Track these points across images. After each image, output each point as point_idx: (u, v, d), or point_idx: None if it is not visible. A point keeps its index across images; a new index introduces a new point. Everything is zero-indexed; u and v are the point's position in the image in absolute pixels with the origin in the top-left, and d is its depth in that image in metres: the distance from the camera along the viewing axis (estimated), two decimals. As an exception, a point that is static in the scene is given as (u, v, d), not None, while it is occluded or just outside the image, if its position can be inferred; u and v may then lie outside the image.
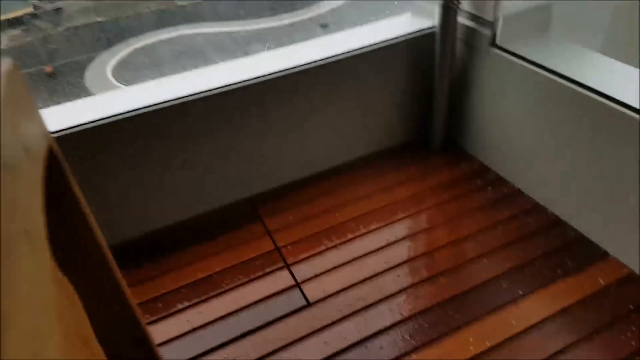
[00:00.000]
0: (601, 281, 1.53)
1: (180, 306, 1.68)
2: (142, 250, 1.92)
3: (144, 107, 1.74)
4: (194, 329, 1.60)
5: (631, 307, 1.44)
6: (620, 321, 1.41)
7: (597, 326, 1.41)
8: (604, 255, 1.62)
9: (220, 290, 1.72)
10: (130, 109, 1.73)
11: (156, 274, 1.82)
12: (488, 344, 1.40)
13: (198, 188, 1.98)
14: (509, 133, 1.90)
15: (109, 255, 0.62)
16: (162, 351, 1.54)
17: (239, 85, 1.83)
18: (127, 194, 1.87)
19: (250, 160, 2.02)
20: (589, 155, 1.58)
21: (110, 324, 0.66)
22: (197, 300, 1.70)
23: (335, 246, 1.81)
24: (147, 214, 1.95)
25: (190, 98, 1.79)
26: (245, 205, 2.07)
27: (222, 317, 1.62)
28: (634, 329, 1.38)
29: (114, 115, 1.72)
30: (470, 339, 1.43)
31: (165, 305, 1.69)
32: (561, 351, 1.36)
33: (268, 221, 1.98)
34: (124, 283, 0.65)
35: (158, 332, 1.60)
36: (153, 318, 1.65)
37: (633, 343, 1.35)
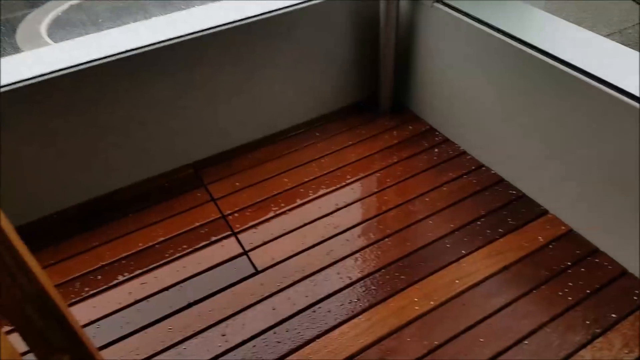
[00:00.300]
0: (540, 239, 1.58)
1: (121, 278, 1.61)
2: (80, 221, 1.81)
3: (70, 67, 1.61)
4: (137, 301, 1.54)
5: (568, 263, 1.50)
6: (558, 277, 1.47)
7: (536, 282, 1.46)
8: (544, 212, 1.67)
9: (163, 260, 1.65)
10: (55, 69, 1.59)
11: (95, 245, 1.73)
12: (432, 303, 1.43)
13: (137, 153, 1.88)
14: (454, 93, 1.90)
15: (9, 230, 0.55)
16: (103, 325, 1.48)
17: (175, 41, 1.71)
18: (60, 161, 1.74)
19: (192, 125, 1.93)
20: (531, 114, 1.60)
21: (19, 303, 0.60)
22: (139, 271, 1.63)
23: (283, 212, 1.78)
24: (83, 182, 1.83)
25: (123, 55, 1.66)
26: (188, 171, 1.99)
27: (166, 288, 1.57)
28: (570, 284, 1.44)
29: (37, 77, 1.57)
30: (415, 299, 1.45)
31: (105, 277, 1.62)
32: (502, 308, 1.40)
33: (212, 188, 1.91)
34: (30, 260, 0.58)
35: (98, 305, 1.53)
36: (93, 291, 1.58)
37: (570, 298, 1.41)
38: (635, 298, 1.39)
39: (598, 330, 1.32)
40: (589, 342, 1.30)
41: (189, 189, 1.92)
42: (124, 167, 1.88)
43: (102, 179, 1.87)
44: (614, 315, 1.35)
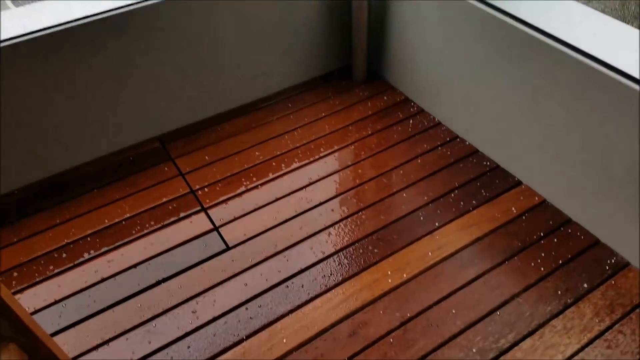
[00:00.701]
0: (514, 210, 1.58)
1: (87, 255, 1.55)
2: (43, 197, 1.73)
3: (26, 34, 1.50)
4: (104, 279, 1.49)
5: (541, 234, 1.50)
6: (531, 248, 1.47)
7: (508, 253, 1.46)
8: (517, 184, 1.66)
9: (130, 237, 1.60)
10: (9, 36, 1.49)
11: (59, 222, 1.66)
12: (405, 276, 1.42)
13: (100, 126, 1.79)
14: (429, 63, 1.85)
15: None
16: (69, 304, 1.43)
17: (142, 5, 1.62)
18: (19, 136, 1.65)
19: (158, 96, 1.84)
20: (507, 84, 1.57)
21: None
22: (105, 248, 1.57)
23: (255, 187, 1.73)
24: (44, 157, 1.75)
25: (84, 21, 1.56)
26: (155, 144, 1.91)
27: (134, 266, 1.52)
28: (543, 255, 1.44)
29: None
30: (389, 272, 1.43)
31: (70, 256, 1.56)
32: (474, 279, 1.40)
33: (180, 162, 1.84)
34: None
35: (64, 283, 1.48)
36: (58, 269, 1.52)
37: (542, 269, 1.41)
38: (607, 268, 1.40)
39: (570, 300, 1.33)
40: (561, 312, 1.31)
41: (156, 163, 1.85)
42: (86, 140, 1.80)
43: (64, 154, 1.79)
44: (585, 285, 1.36)
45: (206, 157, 1.85)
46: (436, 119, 1.93)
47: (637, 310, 1.29)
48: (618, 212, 1.37)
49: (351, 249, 1.51)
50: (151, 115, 1.87)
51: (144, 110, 1.84)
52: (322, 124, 1.96)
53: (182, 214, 1.66)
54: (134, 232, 1.62)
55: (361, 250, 1.50)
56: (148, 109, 1.85)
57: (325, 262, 1.48)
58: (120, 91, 1.76)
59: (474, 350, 1.24)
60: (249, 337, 1.32)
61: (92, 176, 1.81)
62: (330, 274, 1.45)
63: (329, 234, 1.56)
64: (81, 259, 1.55)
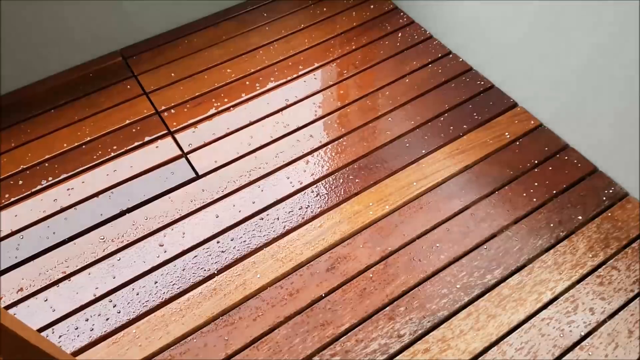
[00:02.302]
0: (507, 135, 1.45)
1: (45, 183, 1.43)
2: (-12, 120, 1.57)
3: None
4: (63, 209, 1.38)
5: (535, 161, 1.39)
6: (523, 177, 1.36)
7: (499, 183, 1.35)
8: (513, 105, 1.52)
9: (91, 163, 1.46)
10: None
11: (14, 146, 1.52)
12: (388, 208, 1.32)
13: (53, 39, 1.59)
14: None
15: None
16: (27, 235, 1.33)
17: None
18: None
19: (117, 3, 1.61)
20: (508, 1, 1.38)
21: None
22: (64, 175, 1.44)
23: (226, 109, 1.57)
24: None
25: None
26: (116, 59, 1.72)
27: (96, 194, 1.40)
28: (536, 184, 1.34)
29: None
30: (370, 204, 1.33)
31: (27, 182, 1.43)
32: (461, 211, 1.31)
33: (144, 79, 1.66)
34: None
35: (21, 213, 1.37)
36: (14, 198, 1.40)
37: (534, 199, 1.31)
38: (604, 198, 1.30)
39: (562, 234, 1.25)
40: (552, 246, 1.23)
41: (118, 80, 1.66)
42: (40, 55, 1.60)
43: (16, 70, 1.60)
44: (580, 217, 1.27)
45: (172, 74, 1.66)
46: (428, 32, 1.74)
47: (634, 245, 1.22)
48: (618, 138, 1.26)
49: (331, 179, 1.39)
50: (111, 26, 1.66)
51: (104, 20, 1.63)
52: (301, 37, 1.76)
53: (147, 138, 1.51)
54: (95, 157, 1.48)
55: (341, 180, 1.39)
56: (108, 19, 1.63)
57: (302, 192, 1.37)
58: (74, 4, 1.53)
59: (458, 286, 1.18)
60: (220, 272, 1.24)
61: (49, 94, 1.63)
62: (308, 206, 1.34)
63: (308, 162, 1.43)
64: (39, 187, 1.42)
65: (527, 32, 1.38)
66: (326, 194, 1.36)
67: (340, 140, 1.48)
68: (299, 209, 1.34)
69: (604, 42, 1.19)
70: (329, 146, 1.46)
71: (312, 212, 1.33)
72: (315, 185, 1.38)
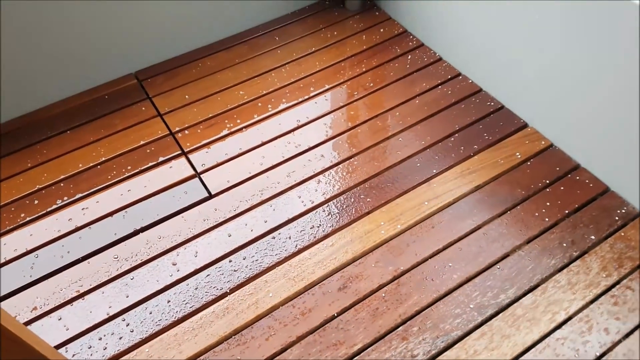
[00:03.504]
0: (518, 155, 1.46)
1: (60, 202, 1.45)
2: (11, 139, 1.60)
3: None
4: (78, 228, 1.39)
5: (547, 181, 1.39)
6: (535, 197, 1.36)
7: (511, 203, 1.36)
8: (523, 126, 1.53)
9: (106, 183, 1.49)
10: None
11: (30, 166, 1.54)
12: (400, 227, 1.32)
13: (71, 61, 1.63)
14: (433, -8, 1.67)
15: None
16: (42, 254, 1.34)
17: None
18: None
19: (134, 26, 1.66)
20: (517, 13, 1.40)
21: None
22: (79, 195, 1.46)
23: (239, 129, 1.60)
24: (9, 96, 1.60)
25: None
26: (131, 82, 1.76)
27: (110, 214, 1.41)
28: (548, 204, 1.34)
29: None
30: (382, 223, 1.34)
31: (42, 202, 1.45)
32: (473, 230, 1.31)
33: (158, 101, 1.69)
34: None
35: (36, 232, 1.38)
36: (30, 217, 1.42)
37: (547, 219, 1.31)
38: (616, 218, 1.30)
39: (575, 253, 1.24)
40: (565, 265, 1.22)
41: (132, 102, 1.70)
42: (56, 77, 1.64)
43: (32, 93, 1.64)
44: (592, 237, 1.27)
45: (186, 96, 1.70)
46: (437, 54, 1.77)
47: (647, 265, 1.21)
48: (630, 158, 1.26)
49: (342, 198, 1.40)
50: (126, 49, 1.70)
51: (118, 43, 1.67)
52: (312, 59, 1.79)
53: (161, 158, 1.54)
54: (109, 177, 1.50)
55: (353, 199, 1.40)
56: (123, 42, 1.68)
57: (314, 211, 1.38)
58: (91, 21, 1.58)
59: (472, 306, 1.17)
60: (232, 291, 1.24)
61: (64, 116, 1.67)
62: (320, 225, 1.35)
63: (319, 181, 1.45)
64: (54, 206, 1.44)
65: (535, 52, 1.40)
66: (337, 213, 1.37)
67: (351, 160, 1.49)
68: (311, 228, 1.35)
69: (614, 60, 1.20)
70: (340, 166, 1.48)
71: (323, 231, 1.34)
72: (326, 205, 1.39)
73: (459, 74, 1.69)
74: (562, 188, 1.37)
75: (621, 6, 1.12)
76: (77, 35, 1.59)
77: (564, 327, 1.12)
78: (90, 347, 1.17)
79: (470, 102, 1.62)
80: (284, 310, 1.20)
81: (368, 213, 1.36)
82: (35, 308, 1.24)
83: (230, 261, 1.30)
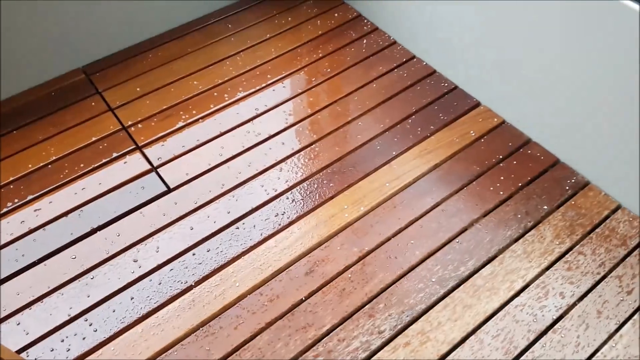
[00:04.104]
0: (472, 133, 1.50)
1: (11, 205, 1.39)
2: (-54, 144, 1.52)
3: None
4: (32, 230, 1.34)
5: (500, 156, 1.44)
6: (490, 172, 1.41)
7: (467, 179, 1.39)
8: (476, 105, 1.57)
9: (58, 182, 1.43)
10: None
11: (-25, 170, 1.47)
12: (363, 209, 1.34)
13: (15, 57, 1.55)
14: (383, -25, 1.68)
15: None
16: (-5, 260, 1.28)
17: None
18: None
19: (79, 19, 1.60)
20: (467, 5, 1.44)
21: None
22: (31, 196, 1.40)
23: (195, 120, 1.57)
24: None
25: None
26: (79, 77, 1.69)
27: (65, 214, 1.37)
28: (502, 178, 1.39)
29: None
30: (345, 206, 1.35)
31: (-9, 207, 1.39)
32: (432, 208, 1.34)
33: (109, 95, 1.64)
34: None
35: (-15, 238, 1.32)
36: (-22, 223, 1.35)
37: (501, 193, 1.36)
38: (567, 188, 1.36)
39: (530, 223, 1.29)
40: (521, 236, 1.27)
41: (82, 97, 1.64)
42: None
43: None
44: (545, 207, 1.32)
45: (138, 89, 1.65)
46: (391, 38, 1.78)
47: (598, 230, 1.27)
48: (578, 129, 1.32)
49: (305, 184, 1.41)
50: (72, 43, 1.64)
51: (64, 37, 1.61)
52: (267, 46, 1.77)
53: (114, 154, 1.49)
54: (62, 176, 1.45)
55: (316, 185, 1.40)
56: (68, 36, 1.61)
57: (277, 199, 1.38)
58: (34, 16, 1.51)
59: (433, 279, 1.20)
60: (198, 283, 1.23)
61: (11, 115, 1.59)
62: (284, 212, 1.35)
63: (281, 169, 1.44)
64: (4, 209, 1.38)
65: (484, 32, 1.44)
66: (301, 199, 1.37)
67: (312, 146, 1.49)
68: (275, 216, 1.34)
69: (555, 30, 1.25)
70: (302, 153, 1.48)
71: (288, 218, 1.34)
72: (290, 192, 1.39)
73: (414, 57, 1.72)
74: (514, 162, 1.42)
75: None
76: (19, 31, 1.51)
77: (522, 294, 1.17)
78: (53, 349, 1.13)
79: (425, 84, 1.64)
80: (251, 299, 1.19)
81: (332, 197, 1.37)
82: (-10, 315, 1.19)
83: (194, 254, 1.28)
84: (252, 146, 1.50)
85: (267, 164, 1.45)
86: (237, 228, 1.33)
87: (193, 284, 1.23)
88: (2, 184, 1.43)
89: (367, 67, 1.70)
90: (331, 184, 1.40)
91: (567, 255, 1.23)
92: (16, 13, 1.48)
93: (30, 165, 1.48)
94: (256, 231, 1.32)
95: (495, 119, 1.53)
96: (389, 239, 1.28)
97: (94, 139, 1.53)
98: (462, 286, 1.19)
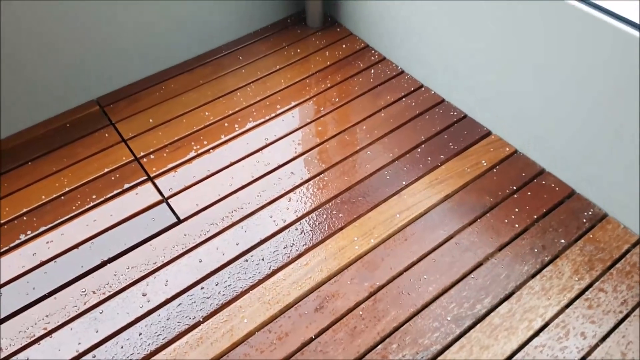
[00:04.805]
0: (484, 162, 1.48)
1: (23, 237, 1.40)
2: (-38, 176, 1.54)
3: None
4: (43, 263, 1.34)
5: (513, 187, 1.41)
6: (503, 203, 1.38)
7: (480, 211, 1.37)
8: (487, 134, 1.56)
9: (70, 214, 1.44)
10: None
11: (-12, 202, 1.48)
12: (373, 242, 1.32)
13: (30, 90, 1.58)
14: (391, 8, 1.68)
15: None
16: (6, 292, 1.28)
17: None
18: None
19: (93, 52, 1.63)
20: (474, 25, 1.43)
21: None
22: (43, 228, 1.41)
23: (206, 151, 1.57)
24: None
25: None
26: (92, 108, 1.72)
27: (76, 246, 1.37)
28: (516, 210, 1.36)
29: None
30: (355, 238, 1.33)
31: (5, 238, 1.40)
32: (445, 241, 1.31)
33: (122, 126, 1.66)
34: None
35: (-2, 270, 1.32)
36: (-9, 254, 1.36)
37: (516, 225, 1.33)
38: (584, 221, 1.32)
39: (547, 258, 1.26)
40: (538, 271, 1.23)
41: (95, 129, 1.66)
42: (14, 108, 1.59)
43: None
44: (562, 241, 1.29)
45: (150, 120, 1.66)
46: (399, 67, 1.78)
47: (618, 265, 1.23)
48: (593, 160, 1.29)
49: (314, 215, 1.39)
50: (86, 76, 1.67)
51: (78, 70, 1.64)
52: (277, 77, 1.78)
53: (126, 185, 1.50)
54: (74, 207, 1.46)
55: (325, 216, 1.39)
56: (82, 69, 1.64)
57: (286, 230, 1.36)
58: (50, 49, 1.54)
59: (449, 318, 1.17)
60: (206, 319, 1.21)
61: (25, 147, 1.62)
62: (293, 244, 1.33)
63: (290, 199, 1.43)
64: (17, 241, 1.39)
65: (494, 62, 1.42)
66: (310, 230, 1.36)
67: (321, 175, 1.48)
68: (284, 248, 1.33)
69: (573, 65, 1.23)
70: (311, 182, 1.47)
71: (297, 250, 1.32)
72: (299, 223, 1.38)
73: (422, 86, 1.71)
74: (529, 193, 1.39)
75: (579, 16, 1.15)
76: (35, 64, 1.55)
77: (541, 334, 1.13)
78: (59, 388, 1.12)
79: (434, 112, 1.63)
80: (260, 336, 1.17)
81: (341, 229, 1.36)
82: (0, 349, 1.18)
83: (202, 288, 1.27)
84: (261, 176, 1.50)
85: (276, 194, 1.45)
86: (246, 260, 1.31)
87: (201, 319, 1.21)
88: (15, 215, 1.44)
89: (375, 96, 1.70)
90: (340, 215, 1.39)
91: (587, 292, 1.19)
92: (32, 46, 1.52)
93: (43, 197, 1.49)
94: (265, 264, 1.30)
95: (507, 148, 1.51)
96: (400, 274, 1.25)
97: (106, 170, 1.54)
98: (478, 325, 1.15)
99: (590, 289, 1.19)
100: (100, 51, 1.65)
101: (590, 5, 1.13)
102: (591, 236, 1.29)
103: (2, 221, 1.43)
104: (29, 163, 1.58)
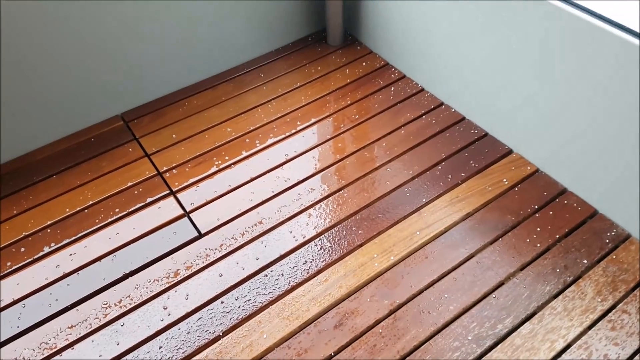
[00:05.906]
0: (505, 181, 1.47)
1: (47, 249, 1.42)
2: (-9, 188, 1.58)
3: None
4: (66, 275, 1.36)
5: (535, 206, 1.40)
6: (525, 222, 1.37)
7: (501, 230, 1.36)
8: (508, 152, 1.55)
9: (94, 227, 1.46)
10: None
11: (15, 213, 1.52)
12: (393, 259, 1.32)
13: (56, 105, 1.62)
14: (410, 24, 1.71)
15: None
16: (29, 304, 1.31)
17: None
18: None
19: (117, 69, 1.67)
20: (494, 44, 1.44)
21: None
22: (67, 240, 1.44)
23: (227, 166, 1.59)
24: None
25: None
26: (117, 123, 1.75)
27: (98, 259, 1.39)
28: (538, 229, 1.35)
29: None
30: (375, 255, 1.33)
31: (29, 250, 1.42)
32: (466, 259, 1.30)
33: (145, 141, 1.69)
34: None
35: (23, 281, 1.35)
36: (16, 265, 1.39)
37: (538, 245, 1.32)
38: (607, 241, 1.31)
39: (569, 278, 1.24)
40: (560, 291, 1.22)
41: (119, 144, 1.69)
42: (40, 122, 1.63)
43: (17, 138, 1.62)
44: (585, 261, 1.27)
45: (173, 136, 1.70)
46: (419, 85, 1.80)
47: (641, 287, 1.22)
48: (617, 180, 1.28)
49: (334, 231, 1.40)
50: (112, 91, 1.71)
51: (104, 85, 1.68)
52: (297, 94, 1.81)
53: (149, 199, 1.52)
54: (97, 220, 1.48)
55: (344, 232, 1.39)
56: (108, 84, 1.69)
57: (306, 246, 1.37)
58: (76, 64, 1.58)
59: (470, 337, 1.16)
60: (226, 333, 1.22)
61: (50, 161, 1.65)
62: (312, 260, 1.34)
63: (310, 215, 1.44)
64: (41, 253, 1.41)
65: (515, 80, 1.43)
66: (330, 246, 1.36)
67: (341, 192, 1.49)
68: (303, 264, 1.33)
69: (596, 82, 1.23)
70: (330, 198, 1.48)
71: (316, 266, 1.32)
72: (318, 239, 1.38)
73: (442, 104, 1.72)
74: (551, 212, 1.38)
75: (599, 34, 1.16)
76: (61, 79, 1.59)
77: (563, 355, 1.11)
78: (81, 400, 1.13)
79: (455, 130, 1.64)
80: (279, 352, 1.17)
81: (360, 245, 1.36)
82: (22, 361, 1.20)
83: (222, 302, 1.28)
84: (281, 191, 1.51)
85: (296, 209, 1.46)
86: (266, 275, 1.32)
87: (221, 334, 1.22)
88: (39, 228, 1.47)
89: (395, 113, 1.71)
90: (360, 231, 1.39)
91: (610, 314, 1.17)
92: (60, 62, 1.56)
93: (67, 210, 1.52)
94: (284, 279, 1.31)
95: (529, 167, 1.50)
96: (421, 292, 1.25)
97: (129, 184, 1.56)
98: (499, 345, 1.14)
99: (614, 310, 1.17)
100: (125, 68, 1.69)
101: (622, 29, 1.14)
102: (614, 257, 1.27)
103: (26, 233, 1.46)
104: (54, 176, 1.62)
